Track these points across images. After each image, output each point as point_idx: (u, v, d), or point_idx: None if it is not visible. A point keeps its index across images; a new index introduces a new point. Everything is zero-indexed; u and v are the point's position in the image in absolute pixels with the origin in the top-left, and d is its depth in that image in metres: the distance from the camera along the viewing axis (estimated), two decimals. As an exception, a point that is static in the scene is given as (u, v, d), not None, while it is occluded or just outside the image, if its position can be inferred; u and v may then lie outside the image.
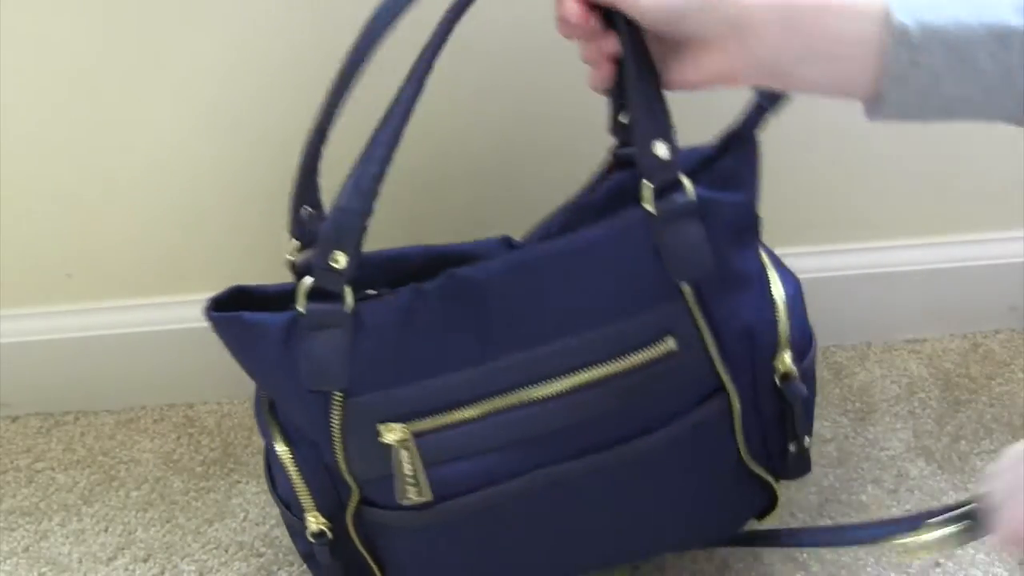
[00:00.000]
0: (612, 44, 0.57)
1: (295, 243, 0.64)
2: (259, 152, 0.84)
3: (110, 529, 0.82)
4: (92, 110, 0.81)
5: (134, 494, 0.86)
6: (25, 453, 0.90)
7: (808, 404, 0.70)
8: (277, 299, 0.62)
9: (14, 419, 0.94)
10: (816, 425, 0.88)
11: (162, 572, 0.79)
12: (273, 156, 0.85)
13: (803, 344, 0.67)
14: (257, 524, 0.82)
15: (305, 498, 0.64)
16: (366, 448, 0.61)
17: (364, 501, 0.64)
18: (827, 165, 0.89)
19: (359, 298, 0.60)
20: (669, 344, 0.61)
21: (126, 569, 0.79)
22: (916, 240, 0.94)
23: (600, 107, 0.65)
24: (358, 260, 0.58)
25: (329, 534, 0.65)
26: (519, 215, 0.88)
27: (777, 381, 0.65)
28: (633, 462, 0.64)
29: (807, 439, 0.69)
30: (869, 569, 0.76)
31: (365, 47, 0.58)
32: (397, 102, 0.57)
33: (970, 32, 0.51)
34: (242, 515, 0.83)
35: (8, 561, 0.80)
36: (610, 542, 0.68)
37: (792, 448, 0.69)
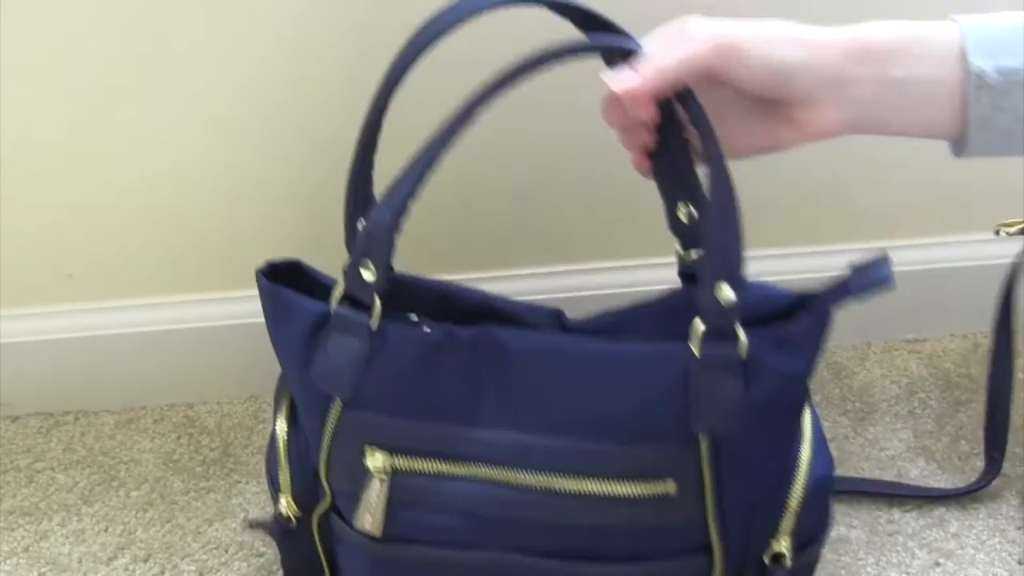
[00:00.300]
0: (652, 139, 0.57)
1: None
2: (259, 153, 0.84)
3: (110, 529, 0.82)
4: (92, 110, 0.81)
5: (134, 494, 0.86)
6: (25, 453, 0.90)
7: None
8: (323, 290, 0.62)
9: (14, 419, 0.94)
10: (816, 425, 0.88)
11: (162, 572, 0.79)
12: (274, 157, 0.85)
13: (811, 534, 0.63)
14: (257, 524, 0.82)
15: (284, 480, 0.64)
16: (348, 462, 0.61)
17: (333, 509, 0.64)
18: (827, 165, 0.89)
19: (397, 317, 0.60)
20: (668, 487, 0.58)
21: (126, 569, 0.79)
22: (916, 240, 0.94)
23: None
24: (385, 274, 0.58)
25: (294, 521, 0.65)
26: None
27: (767, 560, 0.62)
28: None
29: None
30: (869, 569, 0.76)
31: (412, 54, 0.57)
32: (444, 127, 0.56)
33: None
34: (242, 515, 0.83)
35: (8, 561, 0.80)
36: None
37: None
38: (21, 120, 0.81)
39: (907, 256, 0.93)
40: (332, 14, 0.79)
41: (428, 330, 0.60)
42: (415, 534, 0.62)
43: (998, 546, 0.77)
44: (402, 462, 0.60)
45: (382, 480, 0.60)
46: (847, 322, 0.95)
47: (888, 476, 0.84)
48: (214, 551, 0.80)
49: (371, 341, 0.59)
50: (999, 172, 0.90)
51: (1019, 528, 0.79)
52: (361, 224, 0.63)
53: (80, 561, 0.80)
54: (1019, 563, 0.76)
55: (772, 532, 0.61)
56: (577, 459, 0.58)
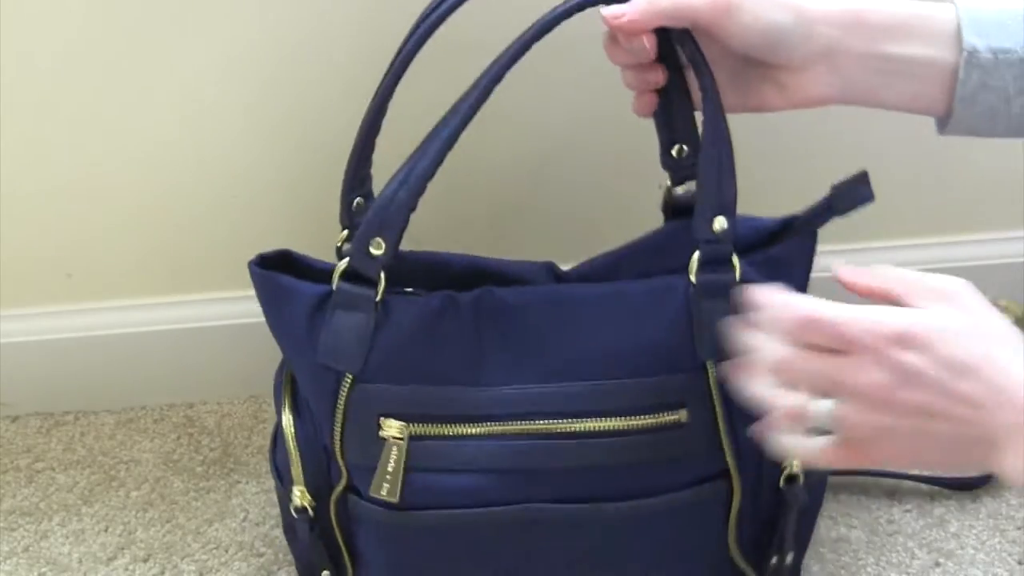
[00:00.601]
0: (659, 76, 0.57)
1: (344, 232, 0.65)
2: (260, 152, 0.84)
3: (110, 529, 0.82)
4: (92, 110, 0.81)
5: (134, 494, 0.86)
6: (25, 453, 0.90)
7: (806, 518, 0.68)
8: (318, 273, 0.62)
9: (14, 419, 0.94)
10: (816, 425, 0.88)
11: (162, 572, 0.79)
12: (273, 157, 0.85)
13: None
14: (257, 524, 0.82)
15: (296, 471, 0.64)
16: (363, 436, 0.61)
17: (350, 488, 0.64)
18: (827, 165, 0.89)
19: (394, 292, 0.60)
20: (681, 415, 0.60)
21: (126, 569, 0.79)
22: (916, 240, 0.94)
23: (637, 128, 0.65)
24: (395, 250, 0.59)
25: (311, 512, 0.65)
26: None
27: (782, 482, 0.64)
28: (617, 524, 0.63)
29: (790, 556, 0.67)
30: (869, 569, 0.76)
31: (421, 39, 0.58)
32: (461, 104, 0.57)
33: None
34: (242, 515, 0.83)
35: (8, 561, 0.80)
36: None
37: (774, 560, 0.67)
38: (21, 120, 0.81)
39: (907, 256, 0.93)
40: (330, 14, 0.79)
41: (427, 298, 0.61)
42: (434, 499, 0.62)
43: (998, 546, 0.77)
44: (417, 428, 0.61)
45: (399, 447, 0.61)
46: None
47: (888, 476, 0.84)
48: (214, 551, 0.80)
49: (376, 314, 0.60)
50: (999, 172, 0.90)
51: (1019, 528, 0.79)
52: (357, 202, 0.64)
53: (80, 561, 0.80)
54: (1019, 563, 0.76)
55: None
56: (589, 400, 0.60)
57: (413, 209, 0.58)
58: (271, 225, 0.88)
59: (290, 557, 0.78)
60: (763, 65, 0.56)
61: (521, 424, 0.60)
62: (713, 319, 0.59)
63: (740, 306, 0.51)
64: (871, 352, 0.45)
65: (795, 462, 0.63)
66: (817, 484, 0.68)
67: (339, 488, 0.64)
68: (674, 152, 0.64)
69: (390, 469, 0.61)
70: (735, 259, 0.59)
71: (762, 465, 0.64)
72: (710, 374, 0.60)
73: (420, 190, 0.58)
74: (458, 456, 0.61)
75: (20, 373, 0.92)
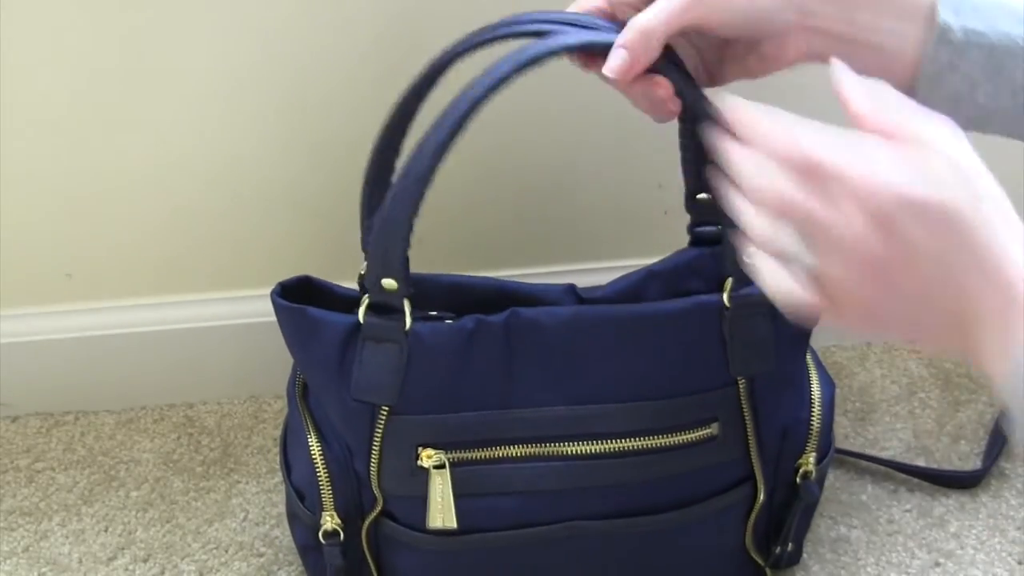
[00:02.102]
0: (663, 86, 0.55)
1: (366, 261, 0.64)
2: (260, 153, 0.84)
3: (110, 529, 0.82)
4: (93, 110, 0.81)
5: (134, 494, 0.86)
6: (25, 453, 0.90)
7: (811, 508, 0.71)
8: (341, 300, 0.62)
9: (14, 419, 0.94)
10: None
11: (162, 572, 0.79)
12: (273, 157, 0.85)
13: (826, 448, 0.69)
14: (257, 524, 0.82)
15: (327, 497, 0.64)
16: (402, 467, 0.62)
17: (384, 514, 0.64)
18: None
19: (420, 316, 0.60)
20: (713, 429, 0.63)
21: (126, 569, 0.79)
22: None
23: (639, 134, 0.65)
24: (407, 284, 0.58)
25: (341, 536, 0.64)
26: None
27: (797, 479, 0.67)
28: (654, 532, 0.65)
29: (791, 545, 0.70)
30: (869, 569, 0.76)
31: (445, 62, 0.57)
32: (435, 139, 0.55)
33: (1012, 45, 0.51)
34: (242, 515, 0.83)
35: (8, 561, 0.80)
36: None
37: (777, 550, 0.70)
38: (21, 120, 0.81)
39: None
40: (335, 16, 0.79)
41: (458, 323, 0.61)
42: (478, 522, 0.63)
43: (998, 546, 0.77)
44: (457, 454, 0.61)
45: (443, 476, 0.61)
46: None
47: (888, 476, 0.84)
48: (214, 551, 0.80)
49: (407, 344, 0.59)
50: (999, 172, 0.90)
51: (1019, 528, 0.79)
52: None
53: (80, 561, 0.80)
54: (1019, 563, 0.76)
55: (800, 452, 0.67)
56: (625, 420, 0.61)
57: (410, 236, 0.57)
58: (272, 225, 0.88)
59: (290, 557, 0.79)
60: (745, 39, 0.56)
61: (559, 446, 0.61)
62: (746, 337, 0.61)
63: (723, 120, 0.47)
64: (872, 216, 0.41)
65: (811, 456, 0.66)
66: (822, 478, 0.70)
67: (374, 514, 0.64)
68: (699, 198, 0.65)
69: (439, 500, 0.61)
70: None
71: (780, 464, 0.66)
72: (740, 388, 0.62)
73: (412, 217, 0.56)
74: (499, 479, 0.62)
75: (20, 373, 0.92)
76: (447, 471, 0.61)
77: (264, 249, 0.89)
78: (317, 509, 0.64)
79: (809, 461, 0.67)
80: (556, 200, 0.88)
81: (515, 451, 0.61)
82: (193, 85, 0.81)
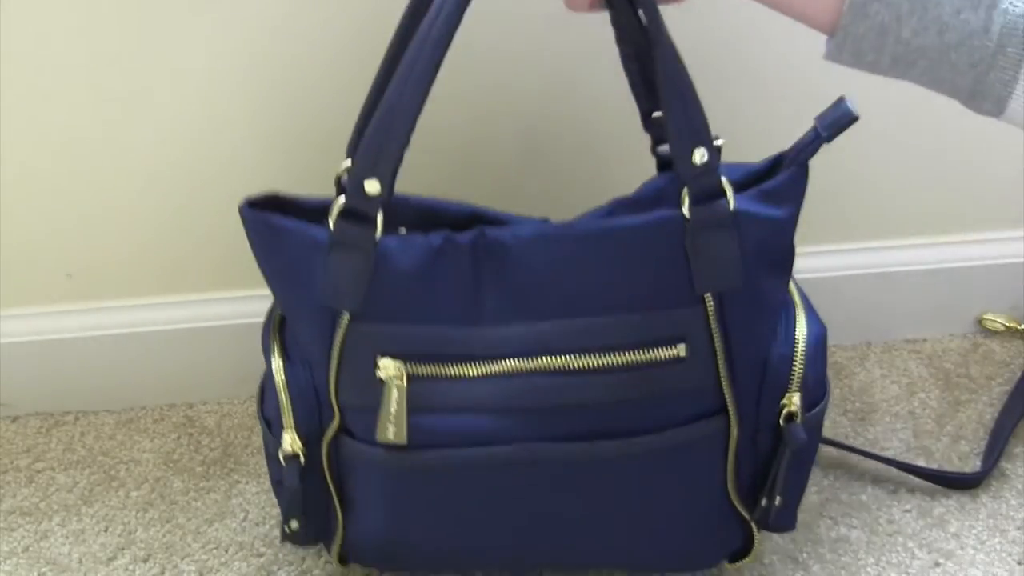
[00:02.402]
0: None
1: (348, 162, 0.64)
2: (260, 152, 0.84)
3: (110, 529, 0.82)
4: (93, 110, 0.81)
5: (134, 494, 0.86)
6: (25, 453, 0.90)
7: (802, 460, 0.69)
8: (311, 212, 0.62)
9: (14, 419, 0.94)
10: (816, 425, 0.88)
11: (162, 572, 0.79)
12: (275, 157, 0.85)
13: (816, 394, 0.67)
14: (257, 524, 0.82)
15: (287, 416, 0.64)
16: (360, 376, 0.61)
17: (343, 431, 0.64)
18: (827, 165, 0.89)
19: (389, 234, 0.60)
20: (680, 349, 0.61)
21: (126, 569, 0.79)
22: (916, 240, 0.94)
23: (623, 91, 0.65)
24: (391, 190, 0.58)
25: (302, 458, 0.64)
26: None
27: (781, 421, 0.65)
28: (618, 461, 0.63)
29: (778, 499, 0.67)
30: (869, 569, 0.76)
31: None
32: (428, 33, 0.55)
33: None
34: (242, 515, 0.83)
35: (8, 561, 0.80)
36: (571, 541, 0.67)
37: (763, 502, 0.68)
38: (21, 120, 0.81)
39: (907, 256, 0.94)
40: (336, 17, 0.79)
41: (425, 238, 0.60)
42: (437, 439, 0.62)
43: (998, 546, 0.77)
44: (416, 368, 0.61)
45: (399, 388, 0.60)
46: (847, 322, 0.96)
47: (888, 476, 0.84)
48: (214, 551, 0.80)
49: (375, 252, 0.59)
50: (999, 172, 0.90)
51: (1019, 528, 0.79)
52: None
53: (80, 561, 0.80)
54: (1019, 563, 0.76)
55: (782, 391, 0.64)
56: (586, 336, 0.60)
57: (405, 146, 0.57)
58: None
59: (290, 557, 0.78)
60: None
61: (519, 362, 0.60)
62: (709, 251, 0.59)
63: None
64: None
65: (795, 397, 0.64)
66: (815, 426, 0.67)
67: (331, 431, 0.64)
68: (654, 116, 0.65)
69: (393, 411, 0.61)
70: (726, 186, 0.59)
71: (760, 402, 0.64)
72: (709, 308, 0.60)
73: (410, 128, 0.56)
74: (457, 396, 0.61)
75: (20, 373, 0.92)
76: (403, 383, 0.60)
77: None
78: (279, 431, 0.64)
79: (793, 401, 0.64)
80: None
81: (475, 369, 0.61)
82: (193, 85, 0.81)
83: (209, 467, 0.88)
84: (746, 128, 0.67)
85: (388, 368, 0.60)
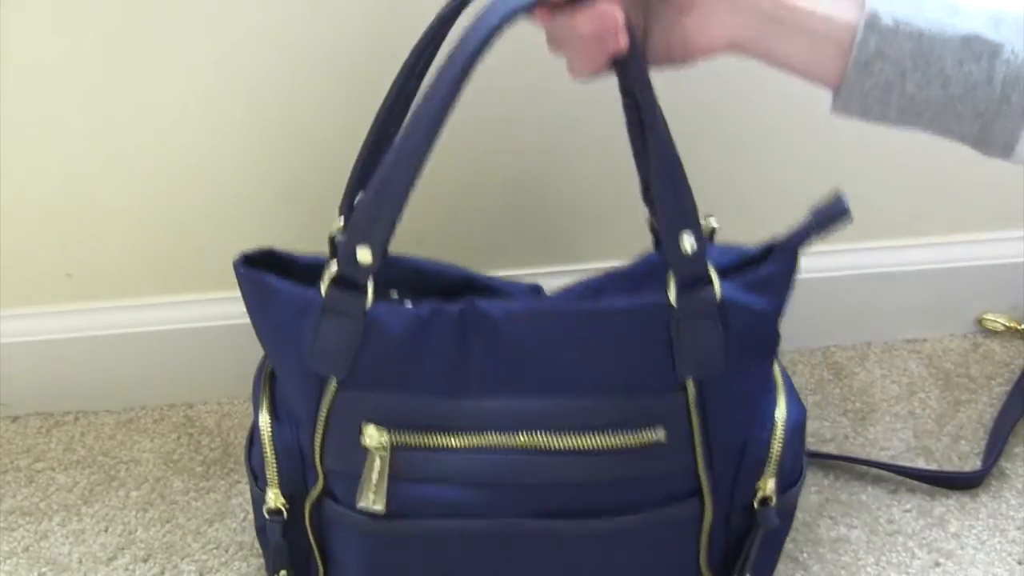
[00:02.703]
0: (610, 16, 0.53)
1: (341, 222, 0.65)
2: (261, 152, 0.84)
3: (110, 529, 0.82)
4: (93, 110, 0.81)
5: (134, 494, 0.86)
6: (25, 453, 0.90)
7: (774, 540, 0.69)
8: (304, 270, 0.62)
9: (14, 419, 0.94)
10: (816, 425, 0.88)
11: (162, 572, 0.79)
12: (273, 157, 0.85)
13: (791, 476, 0.66)
14: (257, 524, 0.82)
15: (271, 473, 0.64)
16: (345, 443, 0.61)
17: (326, 493, 0.64)
18: (825, 165, 0.89)
19: (380, 297, 0.60)
20: (658, 434, 0.61)
21: (126, 569, 0.79)
22: (916, 240, 0.94)
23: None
24: (383, 258, 0.58)
25: (285, 514, 0.65)
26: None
27: (755, 503, 0.65)
28: (592, 540, 0.63)
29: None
30: (869, 569, 0.76)
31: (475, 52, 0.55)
32: (428, 108, 0.54)
33: (941, 34, 0.51)
34: (242, 515, 0.83)
35: (8, 561, 0.80)
36: None
37: None
38: (20, 120, 0.81)
39: (907, 256, 0.94)
40: (332, 14, 0.79)
41: (411, 306, 0.61)
42: (417, 509, 0.62)
43: (998, 546, 0.77)
44: (400, 437, 0.61)
45: (382, 456, 0.61)
46: (847, 322, 0.96)
47: (888, 476, 0.84)
48: (214, 551, 0.80)
49: (364, 321, 0.59)
50: (998, 172, 0.90)
51: (1019, 528, 0.79)
52: (361, 197, 0.62)
53: (80, 561, 0.80)
54: (1019, 563, 0.76)
55: (758, 475, 0.64)
56: (569, 416, 0.60)
57: (399, 216, 0.56)
58: (271, 225, 0.88)
59: (290, 557, 0.79)
60: (668, 12, 0.56)
61: (501, 436, 0.60)
62: (693, 339, 0.59)
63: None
64: None
65: (770, 481, 0.64)
66: (788, 509, 0.67)
67: (315, 492, 0.64)
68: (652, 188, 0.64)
69: (374, 479, 0.61)
70: (713, 275, 0.59)
71: (736, 486, 0.64)
72: (689, 393, 0.60)
73: (404, 200, 0.56)
74: (438, 467, 0.61)
75: (20, 373, 0.92)
76: (387, 452, 0.60)
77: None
78: (264, 486, 0.65)
79: (767, 486, 0.64)
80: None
81: (457, 440, 0.61)
82: (194, 86, 0.81)
83: (209, 467, 0.88)
84: (753, 188, 0.66)
85: (372, 436, 0.60)
